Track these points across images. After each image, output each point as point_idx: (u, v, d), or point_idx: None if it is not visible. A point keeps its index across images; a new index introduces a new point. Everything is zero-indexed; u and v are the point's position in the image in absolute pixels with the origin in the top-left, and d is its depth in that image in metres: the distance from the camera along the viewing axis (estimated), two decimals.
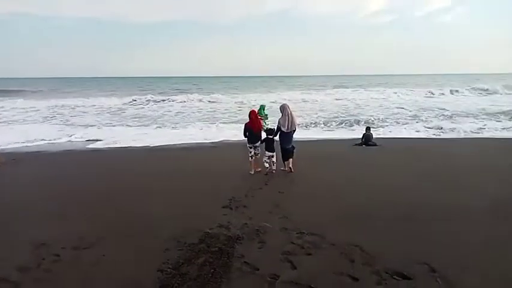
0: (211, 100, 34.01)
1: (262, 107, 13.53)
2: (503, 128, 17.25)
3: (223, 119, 22.49)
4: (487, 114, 22.46)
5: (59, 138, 15.64)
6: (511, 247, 4.34)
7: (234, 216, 5.54)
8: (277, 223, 5.20)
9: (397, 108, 27.12)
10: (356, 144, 12.86)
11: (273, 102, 28.15)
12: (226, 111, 27.08)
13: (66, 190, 7.34)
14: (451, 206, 5.82)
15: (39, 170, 9.49)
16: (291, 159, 8.46)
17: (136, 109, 29.02)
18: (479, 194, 6.39)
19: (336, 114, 23.91)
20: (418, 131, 17.29)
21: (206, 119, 22.65)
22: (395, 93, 38.54)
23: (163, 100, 34.19)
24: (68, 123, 21.28)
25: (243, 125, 8.67)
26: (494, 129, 17.03)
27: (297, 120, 8.63)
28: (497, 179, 7.53)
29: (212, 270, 3.90)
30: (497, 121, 19.48)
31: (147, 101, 33.82)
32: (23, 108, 27.93)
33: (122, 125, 20.59)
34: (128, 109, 28.97)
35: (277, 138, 8.51)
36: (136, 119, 23.09)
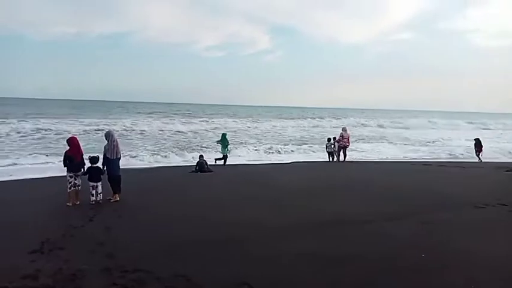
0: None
1: (224, 135, 15.59)
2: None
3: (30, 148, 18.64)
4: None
5: None
6: (314, 262, 5.05)
7: (45, 262, 4.75)
8: (98, 264, 4.71)
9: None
10: (192, 171, 13.17)
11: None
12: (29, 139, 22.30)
13: None
14: (266, 225, 6.50)
15: None
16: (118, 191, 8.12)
17: None
18: (298, 213, 7.37)
19: (174, 142, 23.98)
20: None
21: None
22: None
23: None
24: None
25: (63, 153, 7.92)
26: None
27: (121, 148, 8.55)
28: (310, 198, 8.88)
29: None
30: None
31: None
32: None
33: None
34: None
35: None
36: None
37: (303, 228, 6.35)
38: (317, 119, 53.76)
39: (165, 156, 17.39)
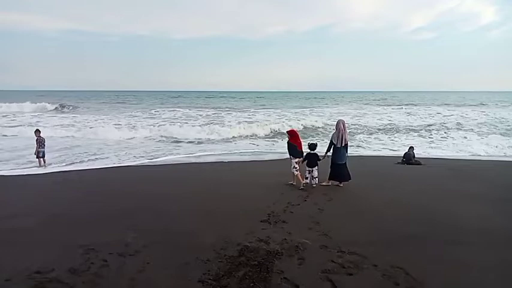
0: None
1: None
2: None
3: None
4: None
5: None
6: None
7: (273, 231, 5.54)
8: (316, 240, 5.14)
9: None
10: (398, 163, 12.50)
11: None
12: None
13: (117, 204, 7.64)
14: (498, 230, 5.50)
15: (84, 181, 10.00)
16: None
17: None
18: None
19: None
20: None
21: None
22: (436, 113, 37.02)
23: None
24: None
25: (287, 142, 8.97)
26: None
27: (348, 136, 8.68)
28: None
29: (252, 284, 3.92)
30: None
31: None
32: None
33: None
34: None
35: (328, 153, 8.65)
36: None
37: None
38: None
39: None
